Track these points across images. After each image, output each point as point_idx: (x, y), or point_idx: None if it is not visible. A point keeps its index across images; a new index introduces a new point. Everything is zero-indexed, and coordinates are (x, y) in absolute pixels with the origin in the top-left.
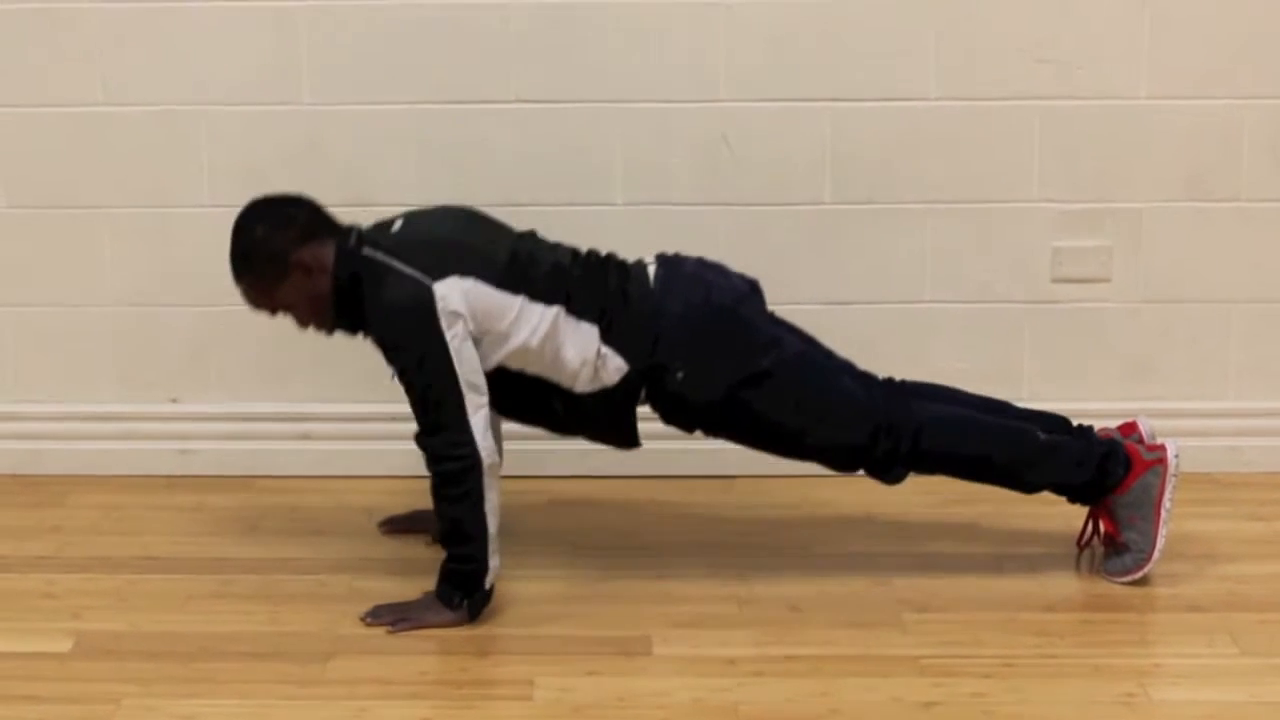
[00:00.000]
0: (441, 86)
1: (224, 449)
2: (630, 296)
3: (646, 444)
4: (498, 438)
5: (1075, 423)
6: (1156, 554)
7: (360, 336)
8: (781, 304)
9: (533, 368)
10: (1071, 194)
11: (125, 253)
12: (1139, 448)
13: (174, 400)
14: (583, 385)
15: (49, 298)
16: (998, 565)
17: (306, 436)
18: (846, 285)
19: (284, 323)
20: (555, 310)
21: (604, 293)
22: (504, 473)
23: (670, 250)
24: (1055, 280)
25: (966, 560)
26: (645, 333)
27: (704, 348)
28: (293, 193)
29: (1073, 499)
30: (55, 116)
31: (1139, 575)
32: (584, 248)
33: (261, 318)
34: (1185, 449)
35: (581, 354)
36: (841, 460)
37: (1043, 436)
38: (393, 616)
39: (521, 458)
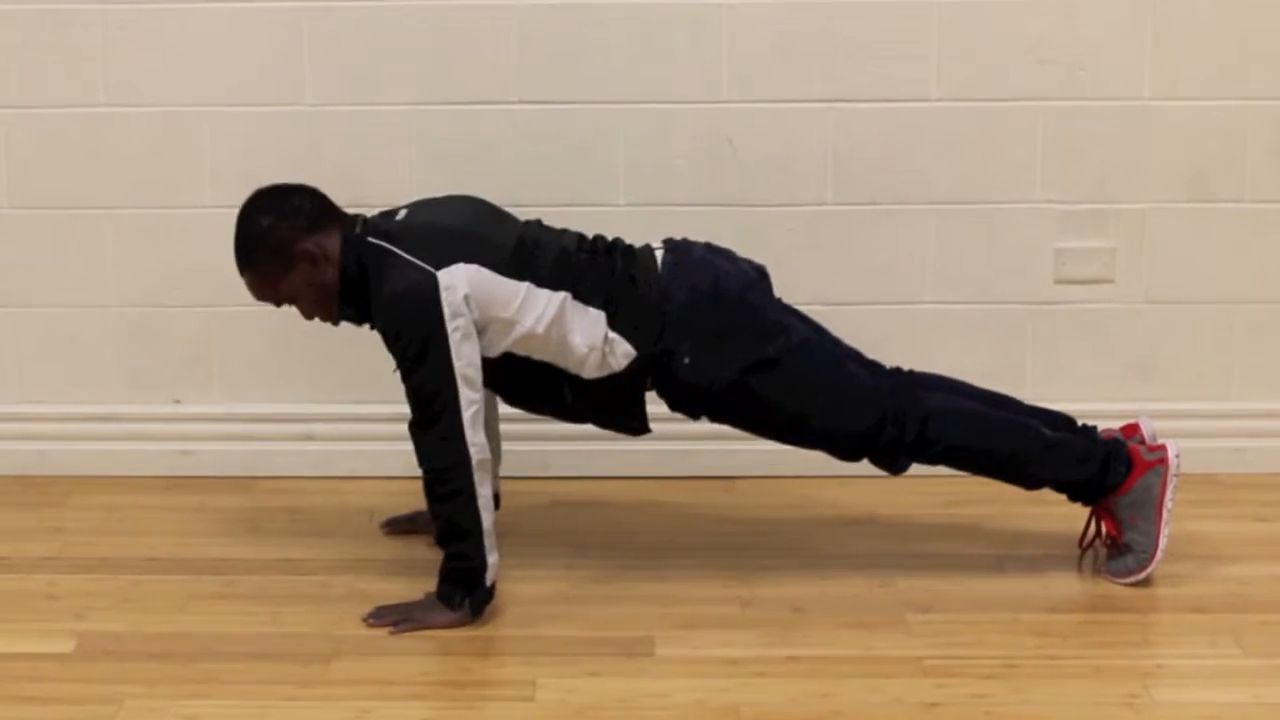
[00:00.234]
0: (444, 87)
1: (226, 450)
2: (638, 282)
3: (648, 445)
4: (494, 434)
5: (1079, 422)
6: (1159, 555)
7: (366, 328)
8: None
9: (540, 354)
10: (1074, 195)
11: (127, 254)
12: (1140, 448)
13: (176, 401)
14: (591, 371)
15: (51, 299)
16: (1000, 566)
17: (308, 437)
18: (849, 285)
19: (286, 324)
20: (562, 296)
21: (611, 278)
22: (505, 473)
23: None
24: (1058, 281)
25: (969, 561)
26: (652, 318)
27: (711, 333)
28: (296, 182)
29: (1074, 497)
30: (57, 117)
31: (1141, 576)
32: (591, 234)
33: (264, 317)
34: (1188, 450)
35: (589, 340)
36: (847, 448)
37: (1047, 433)
38: (394, 617)
39: (524, 458)
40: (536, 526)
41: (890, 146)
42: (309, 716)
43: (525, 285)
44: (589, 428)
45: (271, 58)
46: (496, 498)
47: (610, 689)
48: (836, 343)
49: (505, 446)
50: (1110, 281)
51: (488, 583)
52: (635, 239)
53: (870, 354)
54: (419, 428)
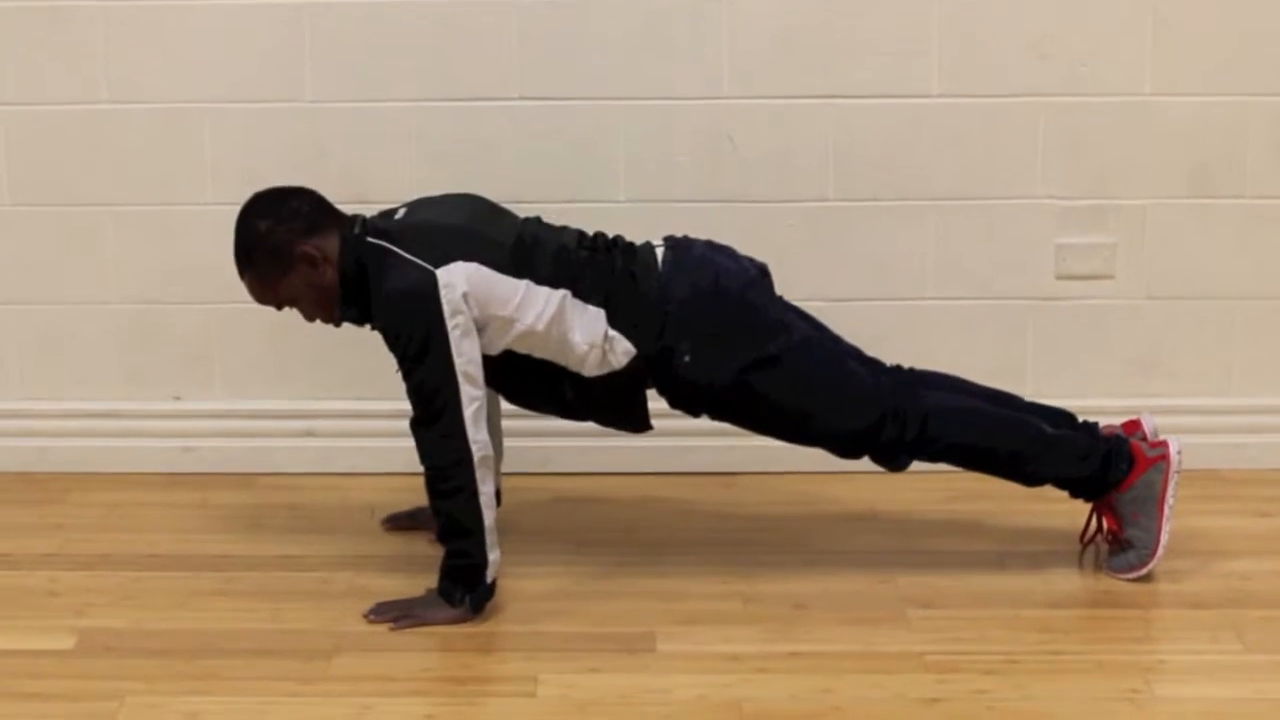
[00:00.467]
0: (444, 83)
1: (227, 446)
2: (638, 279)
3: (649, 441)
4: (496, 430)
5: (1080, 419)
6: (1160, 551)
7: (368, 328)
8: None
9: (541, 352)
10: (1075, 190)
11: (128, 250)
12: (1142, 445)
13: (177, 398)
14: (591, 369)
15: (52, 295)
16: (1001, 562)
17: (309, 434)
18: (850, 282)
19: (287, 320)
20: (561, 294)
21: (611, 276)
22: (507, 469)
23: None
24: (1059, 277)
25: (970, 557)
26: (653, 316)
27: (711, 331)
28: (295, 184)
29: (1075, 494)
30: (58, 114)
31: (1143, 572)
32: (591, 230)
33: (264, 314)
34: (1189, 445)
35: (589, 337)
36: (847, 446)
37: (1048, 430)
38: (395, 613)
39: (524, 455)
40: (537, 522)
41: (891, 142)
42: (310, 713)
43: (524, 283)
44: (590, 424)
45: (272, 54)
46: (498, 494)
47: (611, 685)
48: (837, 340)
49: (506, 443)
50: (1111, 277)
51: (488, 580)
52: (636, 235)
53: (871, 350)
54: (420, 425)
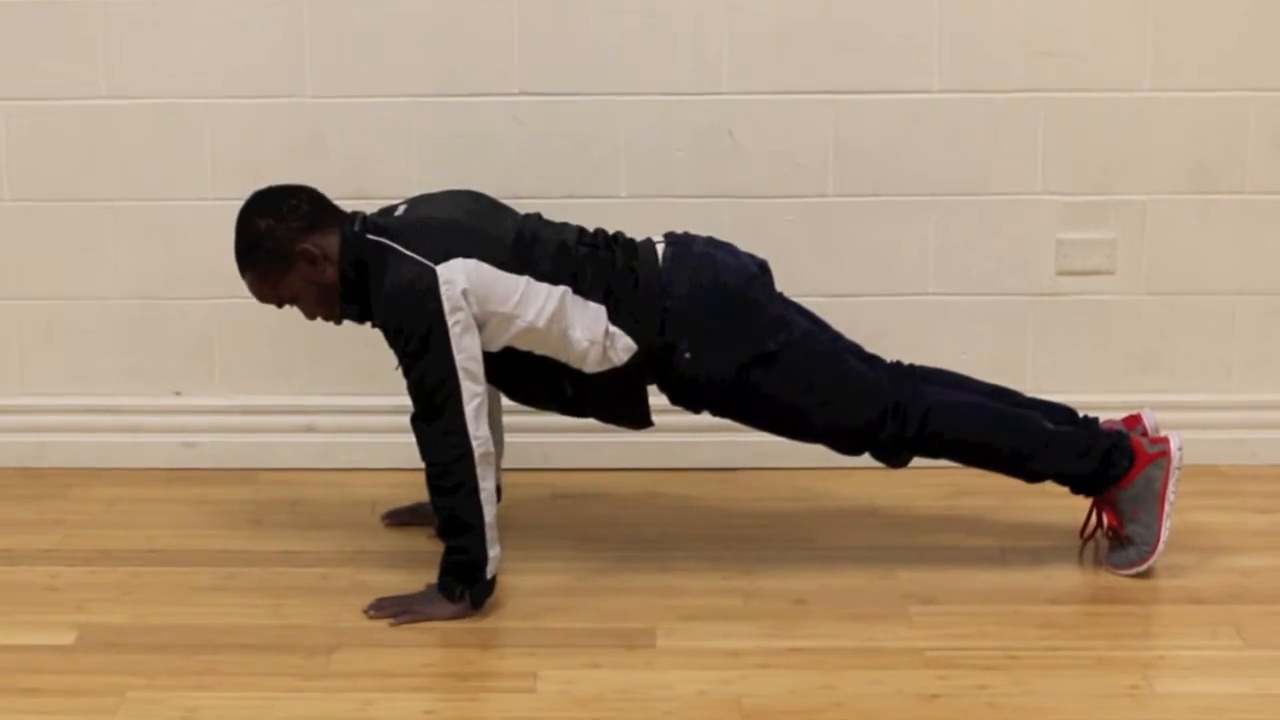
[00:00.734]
0: (445, 79)
1: (227, 442)
2: (638, 276)
3: (648, 437)
4: (497, 426)
5: (1081, 415)
6: (1160, 547)
7: (368, 325)
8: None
9: (541, 349)
10: (1075, 186)
11: (128, 246)
12: (1143, 441)
13: (177, 393)
14: (591, 365)
15: (52, 291)
16: (1002, 558)
17: (310, 429)
18: (850, 277)
19: (287, 316)
20: (561, 290)
21: (611, 272)
22: (506, 465)
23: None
24: (1059, 273)
25: (971, 553)
26: (653, 312)
27: (712, 328)
28: (295, 182)
29: (1076, 490)
30: (58, 109)
31: (1143, 568)
32: (592, 227)
33: (265, 310)
34: (1190, 441)
35: (590, 334)
36: (848, 442)
37: (1048, 426)
38: (395, 609)
39: (524, 450)
40: (537, 518)
41: (891, 138)
42: (311, 708)
43: (525, 279)
44: (589, 420)
45: (272, 50)
46: (498, 490)
47: (611, 680)
48: (837, 337)
49: (506, 438)
50: (1111, 273)
51: (488, 575)
52: (636, 231)
53: (872, 346)
54: (422, 421)
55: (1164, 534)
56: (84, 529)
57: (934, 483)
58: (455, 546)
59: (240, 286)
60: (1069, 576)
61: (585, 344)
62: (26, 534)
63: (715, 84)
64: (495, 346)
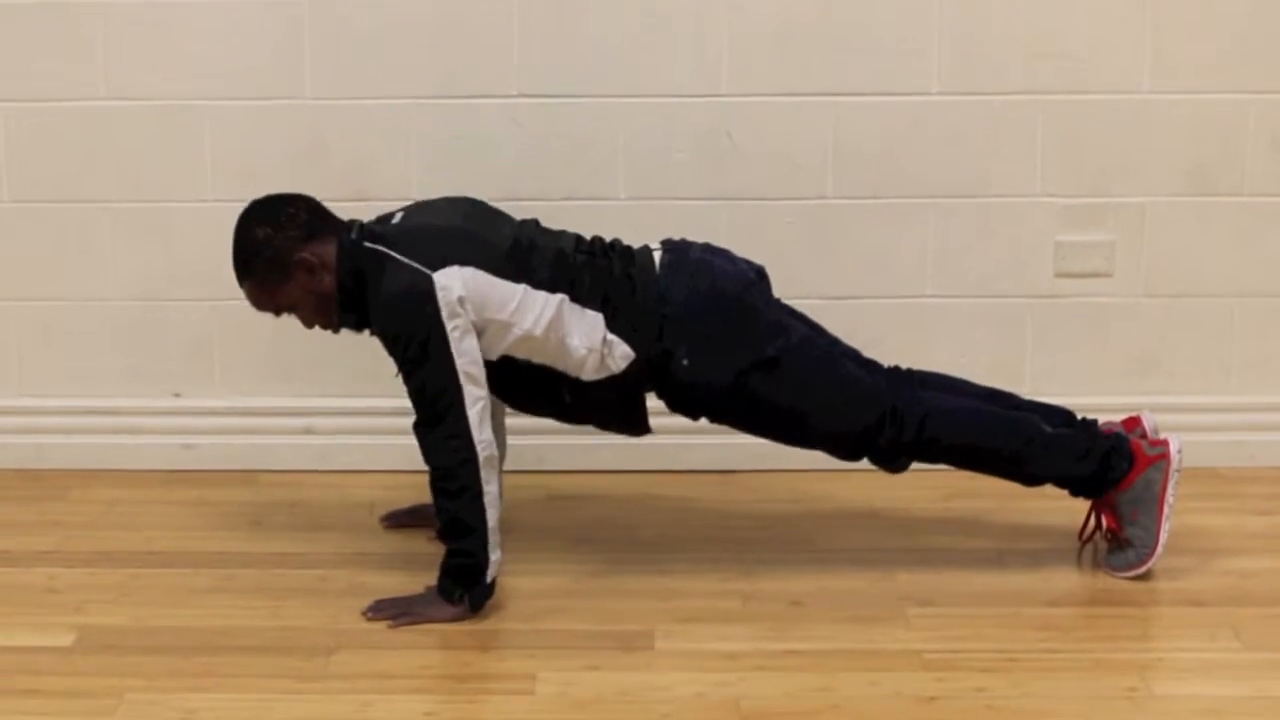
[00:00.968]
0: (444, 81)
1: (226, 444)
2: (636, 283)
3: (645, 439)
4: (500, 429)
5: (1079, 417)
6: (1159, 549)
7: (366, 333)
8: (783, 298)
9: (539, 357)
10: (1074, 188)
11: (128, 247)
12: (1142, 443)
13: (176, 395)
14: (590, 373)
15: (52, 292)
16: (1000, 560)
17: (309, 431)
18: (849, 280)
19: (286, 318)
20: (559, 298)
21: (609, 280)
22: (505, 467)
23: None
24: (1058, 275)
25: (969, 555)
26: (651, 319)
27: (709, 334)
28: (292, 191)
29: (1075, 492)
30: (58, 111)
31: (1141, 570)
32: (589, 234)
33: (264, 313)
34: (1189, 444)
35: (587, 342)
36: (846, 448)
37: (1047, 429)
38: (394, 611)
39: (521, 453)
40: (534, 521)
41: (890, 140)
42: (310, 710)
43: (522, 287)
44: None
45: (272, 51)
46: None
47: (610, 682)
48: (835, 342)
49: (506, 439)
50: (1110, 275)
51: (488, 579)
52: (635, 232)
53: (870, 349)
54: (424, 427)
55: (1163, 536)
56: (83, 530)
57: (932, 485)
58: (457, 550)
59: (239, 288)
60: (1067, 579)
61: (583, 352)
62: (25, 535)
63: (714, 86)
64: (493, 355)
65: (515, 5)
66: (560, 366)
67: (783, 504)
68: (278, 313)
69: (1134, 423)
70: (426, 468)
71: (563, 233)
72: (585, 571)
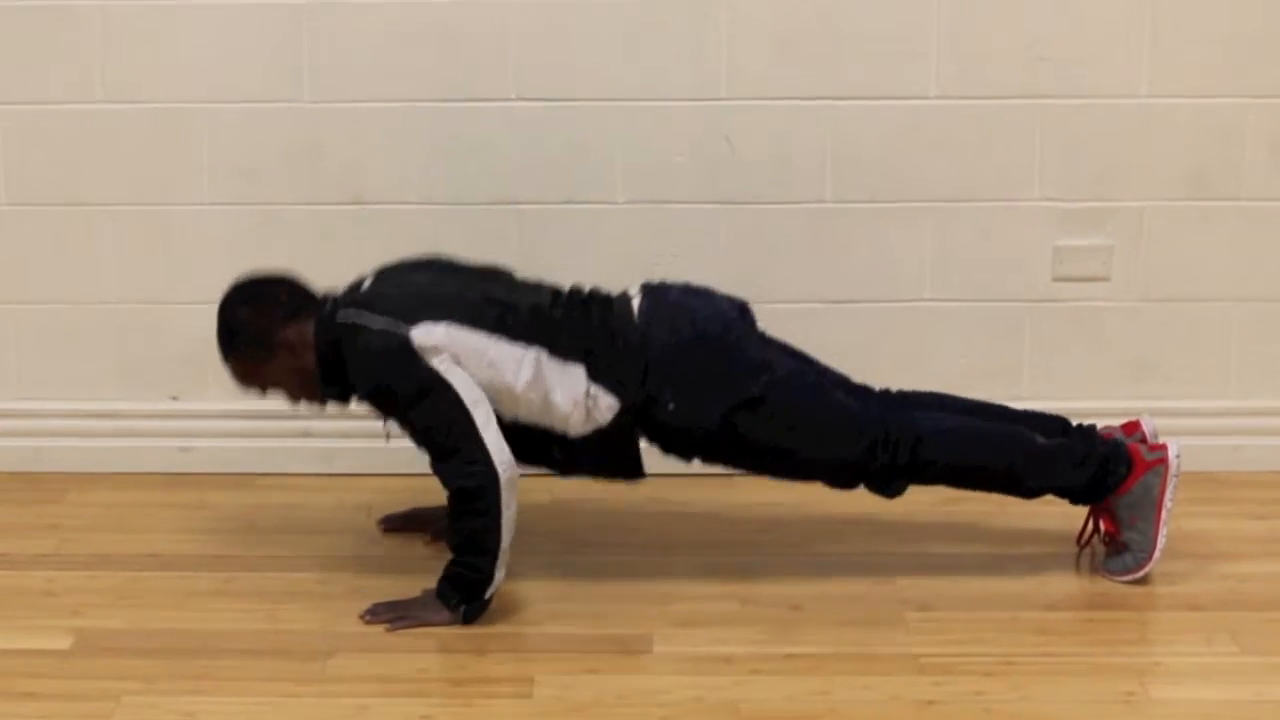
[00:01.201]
0: (442, 84)
1: (224, 447)
2: (615, 332)
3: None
4: None
5: (1075, 423)
6: (1157, 553)
7: (352, 405)
8: (781, 302)
9: (525, 415)
10: (1072, 193)
11: (126, 250)
12: (1141, 448)
13: (174, 398)
14: (577, 428)
15: (50, 295)
16: (998, 564)
17: (306, 434)
18: (847, 284)
19: None
20: (536, 353)
21: (588, 331)
22: None
23: (662, 271)
24: (1056, 279)
25: (967, 559)
26: (633, 367)
27: (693, 377)
28: (273, 271)
29: (1075, 500)
30: (56, 114)
31: (1140, 574)
32: (566, 285)
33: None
34: (1186, 448)
35: (571, 395)
36: (842, 477)
37: (1040, 440)
38: (392, 614)
39: None
40: (534, 523)
41: (889, 144)
42: (307, 713)
43: (498, 342)
44: None
45: (270, 54)
46: None
47: (608, 686)
48: (823, 372)
49: None
50: (1108, 279)
51: (488, 595)
52: (634, 236)
53: (869, 352)
54: (442, 462)
55: (1160, 541)
56: (81, 533)
57: (931, 490)
58: (464, 563)
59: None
60: (1065, 583)
61: (568, 406)
62: (23, 538)
63: (713, 90)
64: None
65: (513, 9)
66: (546, 423)
67: (781, 508)
68: (263, 390)
69: (1133, 427)
70: (445, 493)
71: (539, 286)
72: (584, 574)
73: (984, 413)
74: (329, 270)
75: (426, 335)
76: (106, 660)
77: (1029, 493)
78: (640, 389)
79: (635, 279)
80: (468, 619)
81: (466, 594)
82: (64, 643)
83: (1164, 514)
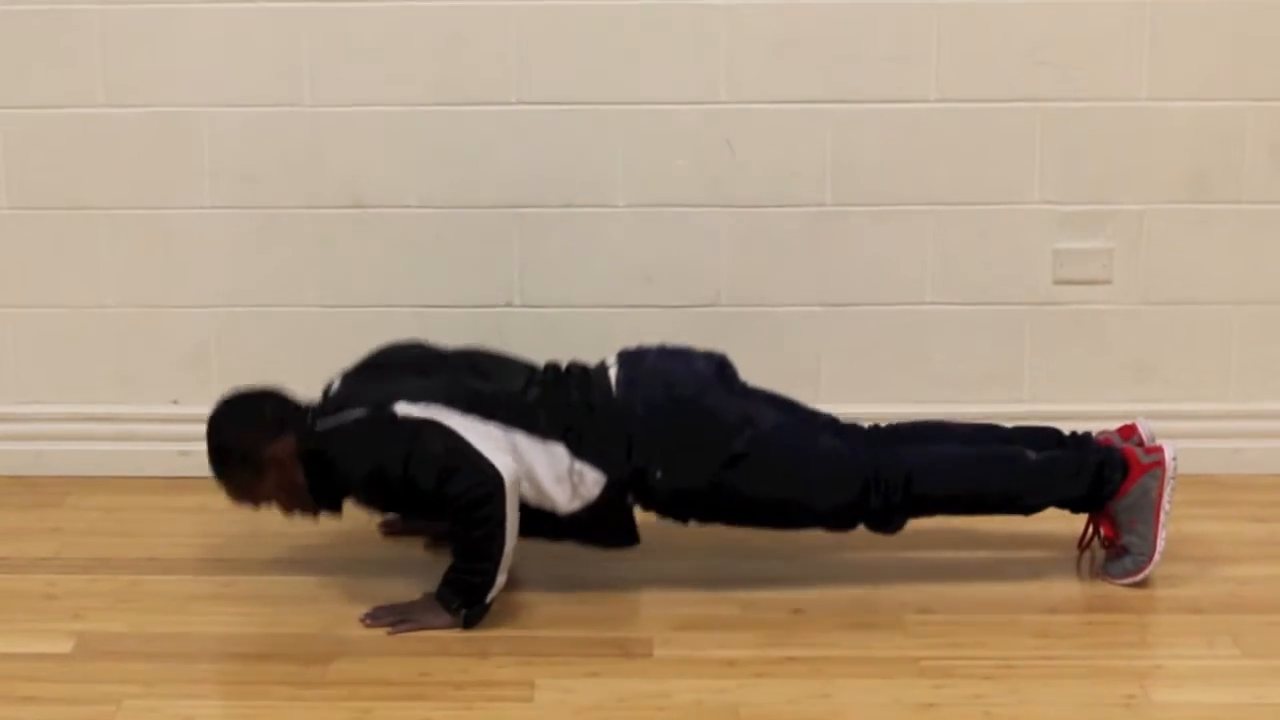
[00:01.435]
0: (443, 88)
1: None
2: (594, 406)
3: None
4: None
5: (1069, 431)
6: (1157, 556)
7: (345, 509)
8: (782, 305)
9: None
10: (1072, 196)
11: (126, 254)
12: (1137, 451)
13: (174, 401)
14: (564, 505)
15: (50, 299)
16: (999, 567)
17: None
18: (848, 287)
19: (284, 324)
20: (514, 436)
21: (567, 409)
22: None
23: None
24: (1056, 282)
25: (968, 562)
26: (616, 440)
27: (675, 444)
28: (258, 386)
29: (1075, 510)
30: (56, 118)
31: (1140, 577)
32: (541, 362)
33: (262, 317)
34: (1187, 450)
35: (555, 474)
36: (839, 521)
37: (1033, 456)
38: (392, 618)
39: None
40: None
41: (889, 148)
42: (308, 717)
43: (474, 422)
44: None
45: (270, 58)
46: None
47: (609, 689)
48: (809, 418)
49: None
50: (1108, 282)
51: (488, 599)
52: (634, 240)
53: (869, 355)
54: (446, 484)
55: (1160, 543)
56: (81, 537)
57: None
58: (466, 567)
59: (238, 293)
60: (1066, 586)
61: (553, 485)
62: (24, 542)
63: (714, 94)
64: None
65: (514, 13)
66: (535, 502)
67: None
68: (256, 506)
69: (1130, 430)
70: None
71: (513, 366)
72: (585, 578)
73: (975, 437)
74: (329, 274)
75: (408, 410)
76: (107, 664)
77: (1028, 510)
78: (626, 462)
79: (635, 280)
80: (468, 623)
81: (468, 598)
82: (64, 646)
83: (1163, 516)
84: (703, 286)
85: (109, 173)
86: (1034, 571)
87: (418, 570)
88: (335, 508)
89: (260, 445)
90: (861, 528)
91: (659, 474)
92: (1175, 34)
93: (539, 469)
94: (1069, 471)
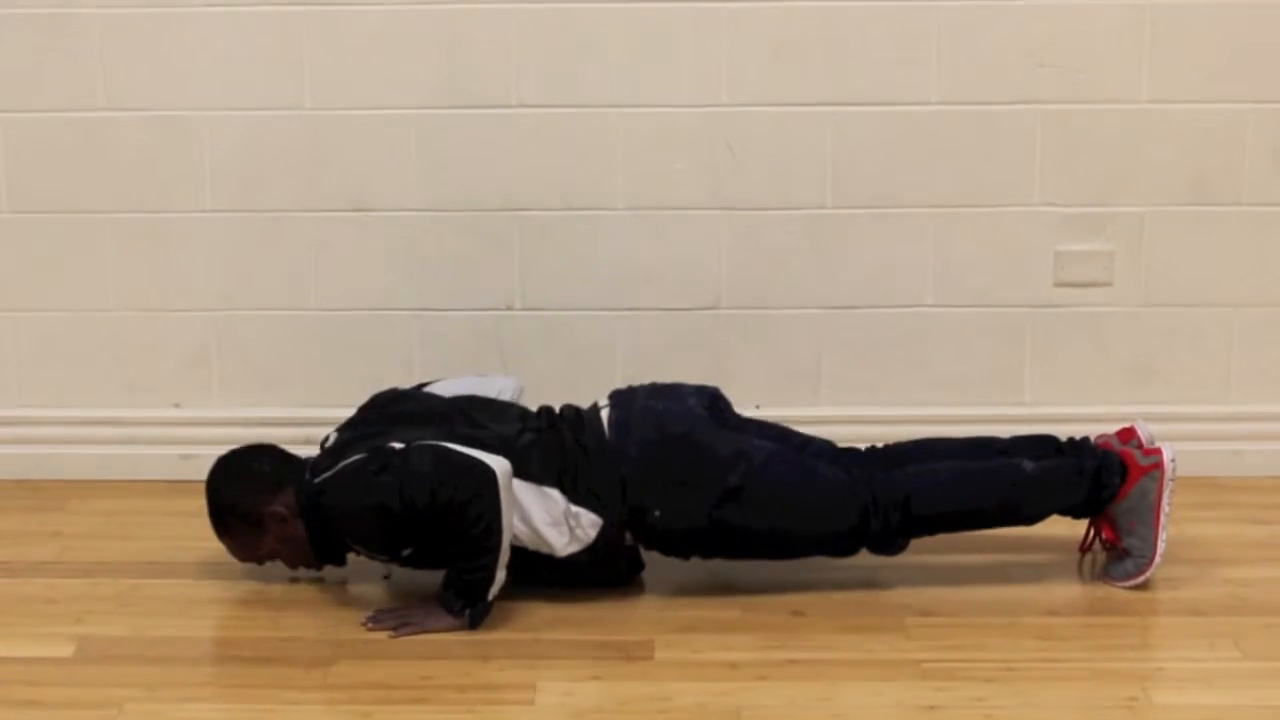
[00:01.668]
0: (443, 91)
1: None
2: (588, 449)
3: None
4: None
5: (1066, 438)
6: (1158, 558)
7: (348, 561)
8: (782, 308)
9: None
10: (1073, 198)
11: (127, 258)
12: (1135, 453)
13: (176, 405)
14: (563, 549)
15: (51, 303)
16: (1000, 570)
17: (308, 441)
18: (848, 290)
19: (286, 327)
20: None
21: (560, 453)
22: None
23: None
24: (1057, 284)
25: (969, 565)
26: (611, 482)
27: (670, 482)
28: (254, 444)
29: (1076, 516)
30: (56, 121)
31: (1141, 580)
32: (535, 407)
33: (263, 321)
34: (1187, 453)
35: (551, 518)
36: (841, 547)
37: (1029, 467)
38: (394, 621)
39: None
40: None
41: (890, 150)
42: None
43: None
44: None
45: (270, 61)
46: None
47: (610, 692)
48: (802, 447)
49: None
50: (1109, 284)
51: (490, 597)
52: (634, 242)
53: (869, 358)
54: (440, 491)
55: (1161, 546)
56: (83, 541)
57: None
58: (465, 567)
59: (239, 297)
60: (1067, 588)
61: (549, 529)
62: (25, 546)
63: (714, 96)
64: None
65: (515, 16)
66: (532, 547)
67: None
68: (260, 562)
69: (1129, 434)
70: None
71: (508, 409)
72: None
73: (971, 452)
74: (330, 277)
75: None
76: (108, 668)
77: (1029, 521)
78: (622, 504)
79: (635, 283)
80: (473, 623)
81: (470, 597)
82: (66, 650)
83: (1163, 518)
84: (703, 289)
85: (110, 176)
86: (1035, 574)
87: (418, 573)
88: (339, 560)
89: (259, 502)
90: (863, 551)
91: (657, 513)
92: (1175, 36)
93: (534, 513)
94: (1066, 479)
